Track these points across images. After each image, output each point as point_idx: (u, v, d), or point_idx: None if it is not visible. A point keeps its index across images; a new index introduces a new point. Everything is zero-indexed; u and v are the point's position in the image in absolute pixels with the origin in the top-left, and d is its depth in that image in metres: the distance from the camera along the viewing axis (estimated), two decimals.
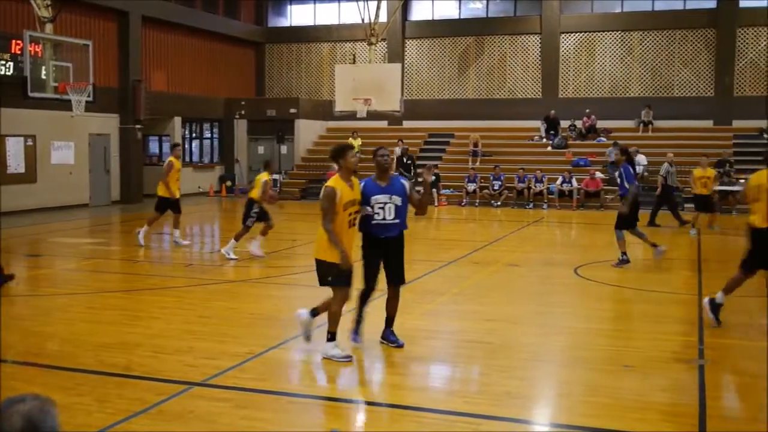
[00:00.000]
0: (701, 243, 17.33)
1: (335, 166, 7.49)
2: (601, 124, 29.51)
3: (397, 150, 29.37)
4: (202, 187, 30.15)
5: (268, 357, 7.65)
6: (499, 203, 26.22)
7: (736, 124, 28.73)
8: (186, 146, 30.76)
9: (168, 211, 15.81)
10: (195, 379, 6.82)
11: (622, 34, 30.56)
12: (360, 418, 6.36)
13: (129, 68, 26.52)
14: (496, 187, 26.36)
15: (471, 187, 26.60)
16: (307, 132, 32.30)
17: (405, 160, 25.75)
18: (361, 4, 26.86)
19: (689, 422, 5.97)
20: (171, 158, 15.71)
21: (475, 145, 29.02)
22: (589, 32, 30.92)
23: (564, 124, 29.83)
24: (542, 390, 6.95)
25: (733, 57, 29.10)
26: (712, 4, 29.47)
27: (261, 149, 31.97)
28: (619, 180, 13.56)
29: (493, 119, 30.91)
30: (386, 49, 32.66)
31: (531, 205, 25.79)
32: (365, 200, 7.55)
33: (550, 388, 7.01)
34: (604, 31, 30.75)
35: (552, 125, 29.62)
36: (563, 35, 31.12)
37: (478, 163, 28.30)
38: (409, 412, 6.18)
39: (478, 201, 26.40)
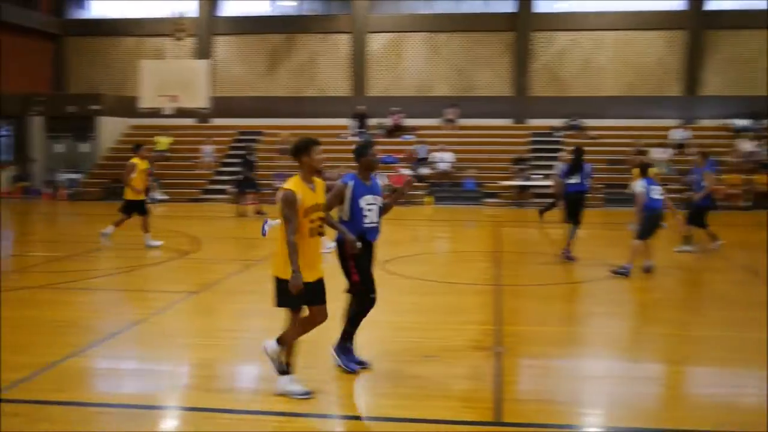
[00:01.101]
0: (501, 234, 18.20)
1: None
2: (408, 122, 30.30)
3: (207, 149, 28.86)
4: None
5: (66, 366, 7.27)
6: None
7: (533, 122, 30.43)
8: None
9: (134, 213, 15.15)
10: None
11: (429, 35, 31.54)
12: (165, 423, 6.19)
13: None
14: None
15: (279, 184, 26.46)
16: (110, 129, 30.99)
17: (248, 158, 24.38)
18: None
19: (487, 407, 6.26)
20: (134, 159, 15.14)
21: (284, 142, 28.93)
22: (397, 32, 31.67)
23: (372, 122, 30.39)
24: (349, 384, 7.03)
25: (529, 59, 30.78)
26: (511, 8, 31.00)
27: (60, 147, 30.36)
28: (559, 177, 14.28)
29: (303, 117, 30.95)
30: (195, 45, 31.92)
31: None
32: (354, 200, 6.96)
33: (356, 382, 7.11)
34: (411, 32, 31.60)
35: (361, 121, 30.07)
36: (372, 34, 31.69)
37: (286, 161, 28.24)
38: (214, 414, 6.08)
39: None
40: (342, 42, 31.97)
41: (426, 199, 26.29)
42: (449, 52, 31.43)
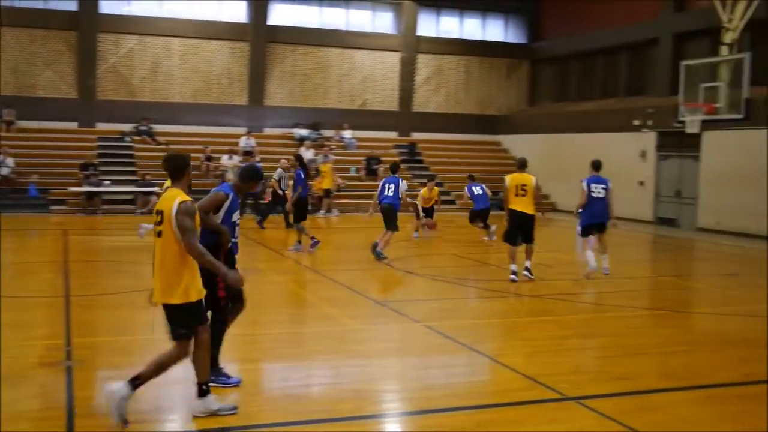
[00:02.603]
0: (69, 243, 17.40)
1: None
2: None
3: None
4: None
5: None
6: None
7: (101, 126, 29.43)
8: None
9: None
10: None
11: None
12: None
13: None
14: None
15: None
16: None
17: None
18: None
19: (58, 424, 5.94)
20: None
21: None
22: None
23: None
24: None
25: (96, 61, 29.65)
26: (73, 7, 29.54)
27: None
28: (293, 183, 16.38)
29: None
30: None
31: None
32: (230, 213, 6.86)
33: None
34: None
35: None
36: None
37: None
38: None
39: None
40: None
41: None
42: (4, 49, 28.98)
